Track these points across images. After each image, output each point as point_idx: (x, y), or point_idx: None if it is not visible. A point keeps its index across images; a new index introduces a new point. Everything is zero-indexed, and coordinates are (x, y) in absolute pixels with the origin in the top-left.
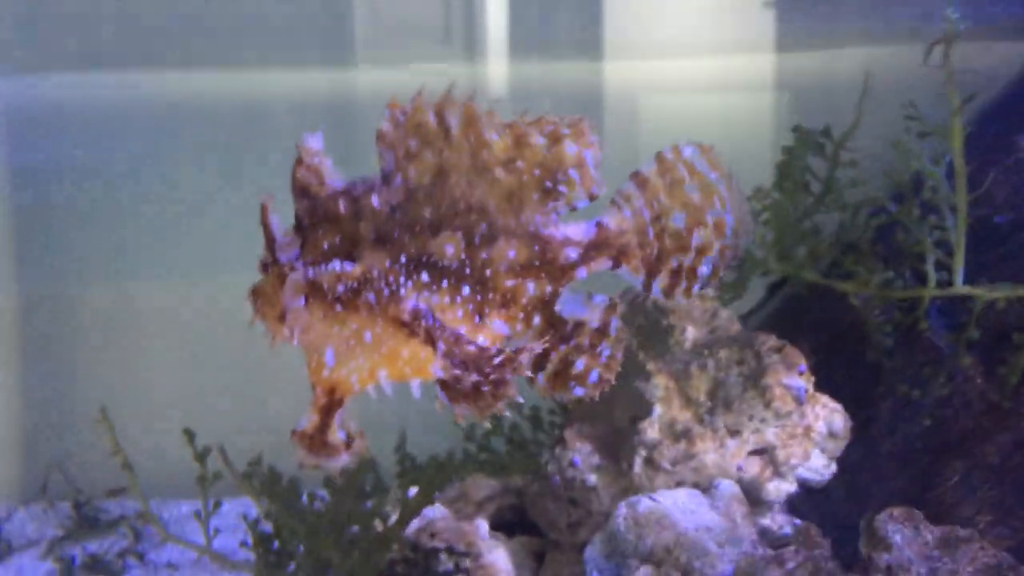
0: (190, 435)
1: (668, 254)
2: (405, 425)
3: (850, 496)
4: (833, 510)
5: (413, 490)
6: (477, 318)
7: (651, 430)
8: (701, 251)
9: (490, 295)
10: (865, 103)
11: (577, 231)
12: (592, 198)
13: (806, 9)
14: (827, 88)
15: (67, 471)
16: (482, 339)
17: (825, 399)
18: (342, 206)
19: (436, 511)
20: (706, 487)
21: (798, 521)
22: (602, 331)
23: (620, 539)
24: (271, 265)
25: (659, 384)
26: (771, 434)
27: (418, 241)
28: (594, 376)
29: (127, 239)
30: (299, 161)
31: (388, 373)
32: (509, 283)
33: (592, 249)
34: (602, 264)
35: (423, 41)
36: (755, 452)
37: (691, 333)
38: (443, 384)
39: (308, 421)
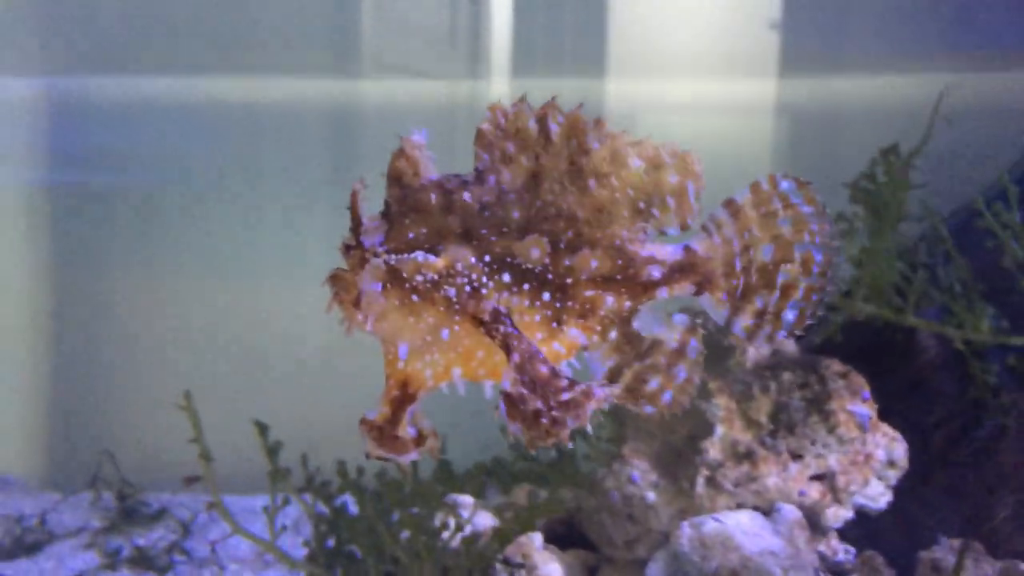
0: (262, 428)
1: (754, 291)
2: (446, 430)
3: (898, 525)
4: (880, 538)
5: (465, 497)
6: (555, 324)
7: (713, 450)
8: (786, 291)
9: (569, 303)
10: (929, 129)
11: (664, 251)
12: (684, 228)
13: (812, 33)
14: (830, 114)
15: (116, 462)
16: (558, 345)
17: (885, 427)
18: (433, 197)
19: (486, 520)
20: (767, 510)
21: (851, 548)
22: (680, 352)
23: (684, 559)
24: (354, 249)
25: (720, 404)
26: (833, 460)
27: (504, 241)
28: (667, 396)
29: (163, 231)
30: (400, 151)
31: (462, 372)
32: (589, 293)
33: (677, 271)
34: (685, 288)
35: (429, 55)
36: (815, 477)
37: (752, 354)
38: (507, 397)
39: (379, 412)
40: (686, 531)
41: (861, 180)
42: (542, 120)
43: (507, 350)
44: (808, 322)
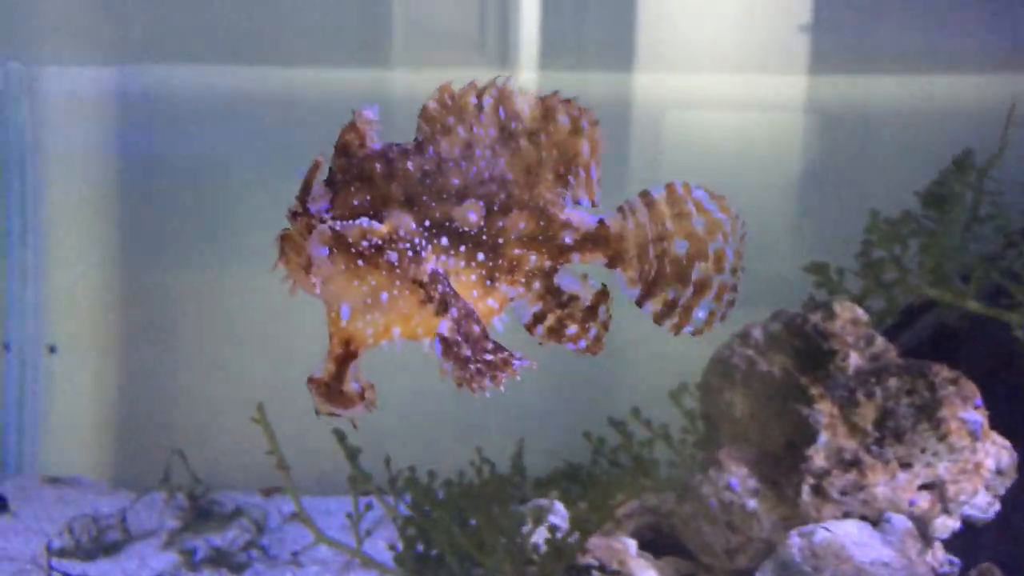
0: (340, 436)
1: (666, 281)
2: (523, 434)
3: (1003, 535)
4: (983, 548)
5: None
6: (488, 282)
7: (818, 457)
8: (700, 288)
9: (500, 261)
10: (1012, 131)
11: (579, 218)
12: (593, 204)
13: (844, 31)
14: (861, 112)
15: (187, 461)
16: (491, 301)
17: (995, 435)
18: (377, 167)
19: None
20: (874, 520)
21: (956, 560)
22: (593, 311)
23: (795, 569)
24: (300, 215)
25: (823, 410)
26: (942, 468)
27: (444, 207)
28: (582, 343)
29: (229, 227)
30: (351, 125)
31: (401, 331)
32: (517, 252)
33: (589, 241)
34: (596, 259)
35: (458, 50)
36: (924, 486)
37: (854, 359)
38: (443, 339)
39: (324, 370)
40: (796, 540)
41: (933, 187)
42: (479, 95)
43: (444, 308)
44: (716, 323)
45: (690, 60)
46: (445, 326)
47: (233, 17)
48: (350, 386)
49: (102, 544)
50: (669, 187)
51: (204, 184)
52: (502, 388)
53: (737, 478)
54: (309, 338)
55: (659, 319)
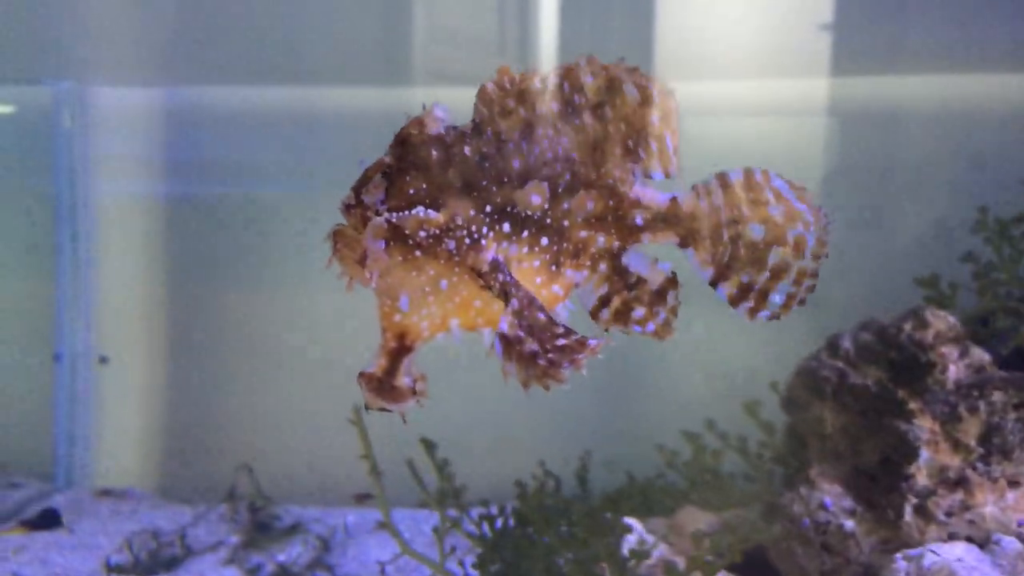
0: (429, 445)
1: (741, 264)
2: (589, 448)
3: None
4: None
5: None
6: (553, 267)
7: (920, 476)
8: (777, 273)
9: (565, 244)
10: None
11: (650, 197)
12: (668, 175)
13: (866, 31)
14: (885, 114)
15: (253, 475)
16: (556, 287)
17: None
18: (433, 153)
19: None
20: (981, 542)
21: None
22: (661, 295)
23: None
24: (355, 207)
25: (924, 426)
26: None
27: (504, 191)
28: (650, 327)
29: (276, 239)
30: (416, 118)
31: (460, 322)
32: (583, 234)
33: (661, 220)
34: (668, 238)
35: (478, 56)
36: None
37: (952, 372)
38: (503, 337)
39: (377, 365)
40: (902, 564)
41: None
42: (543, 78)
43: (505, 298)
44: (795, 307)
45: (710, 65)
46: (505, 322)
47: (270, 38)
48: (402, 381)
49: (161, 559)
50: (747, 171)
51: (247, 197)
52: (584, 371)
53: (831, 497)
54: (360, 348)
55: (734, 302)
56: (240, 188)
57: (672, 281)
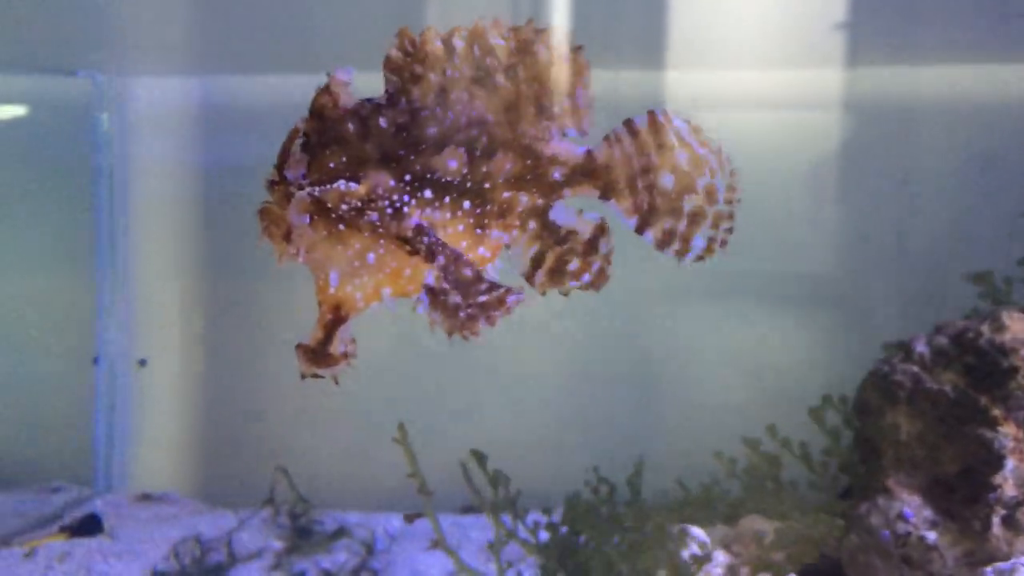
0: (479, 456)
1: (660, 213)
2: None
3: None
4: None
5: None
6: (478, 230)
7: (1007, 486)
8: (694, 219)
9: (488, 206)
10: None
11: (566, 152)
12: (582, 132)
13: (882, 22)
14: (902, 106)
15: (291, 479)
16: (483, 250)
17: None
18: (351, 127)
19: (718, 556)
20: None
21: None
22: (592, 244)
23: None
24: (277, 184)
25: (1009, 433)
26: None
27: (422, 158)
28: (586, 278)
29: None
30: (325, 87)
31: (392, 291)
32: (506, 195)
33: (578, 173)
34: (588, 191)
35: None
36: None
37: None
38: (429, 290)
39: (312, 336)
40: None
41: None
42: (447, 39)
43: (431, 256)
44: (718, 250)
45: (724, 56)
46: (431, 276)
47: (309, 30)
48: (336, 348)
49: (206, 567)
50: (651, 114)
51: None
52: (496, 326)
53: (911, 507)
54: (402, 349)
55: (660, 247)
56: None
57: (602, 228)
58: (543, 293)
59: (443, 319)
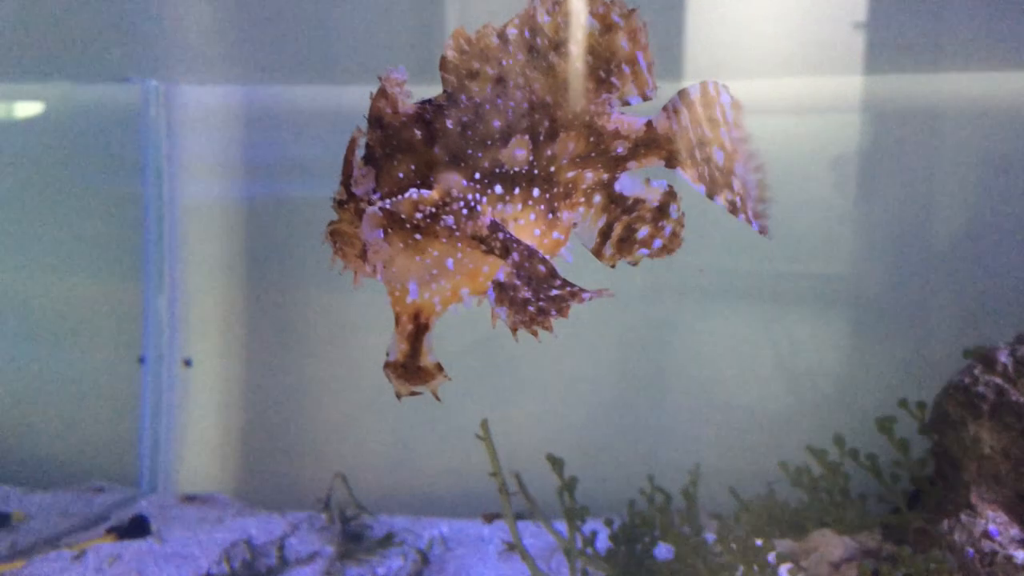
0: (556, 462)
1: (719, 186)
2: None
3: None
4: None
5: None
6: (550, 215)
7: None
8: (744, 193)
9: (556, 189)
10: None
11: (628, 125)
12: (645, 98)
13: (903, 27)
14: (924, 111)
15: (348, 484)
16: (557, 234)
17: None
18: (417, 132)
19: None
20: None
21: None
22: (662, 210)
23: None
24: (347, 201)
25: None
26: None
27: (490, 154)
28: (657, 243)
29: None
30: (381, 91)
31: (470, 290)
32: (571, 174)
33: (642, 146)
34: (653, 162)
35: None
36: None
37: None
38: (498, 284)
39: (398, 350)
40: None
41: None
42: (501, 32)
43: (505, 252)
44: (767, 200)
45: (742, 64)
46: (503, 272)
47: (350, 37)
48: (427, 360)
49: (256, 571)
50: (703, 85)
51: (324, 196)
52: (567, 317)
53: (997, 525)
54: (446, 349)
55: (733, 213)
56: (322, 188)
57: (671, 194)
58: (613, 265)
59: (510, 314)
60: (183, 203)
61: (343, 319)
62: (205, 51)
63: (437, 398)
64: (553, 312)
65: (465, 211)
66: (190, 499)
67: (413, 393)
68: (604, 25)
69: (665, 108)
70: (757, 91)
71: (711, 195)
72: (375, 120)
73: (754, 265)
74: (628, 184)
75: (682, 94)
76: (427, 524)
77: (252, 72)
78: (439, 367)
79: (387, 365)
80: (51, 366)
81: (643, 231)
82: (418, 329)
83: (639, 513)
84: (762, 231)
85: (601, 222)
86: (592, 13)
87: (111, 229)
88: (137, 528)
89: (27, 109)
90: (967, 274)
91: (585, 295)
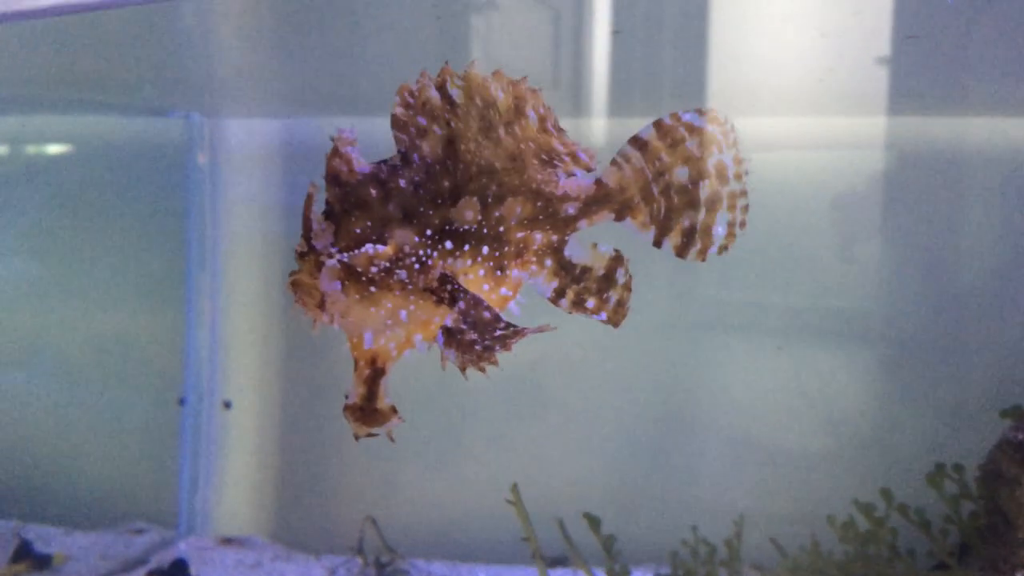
0: (593, 520)
1: (678, 211)
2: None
3: None
4: None
5: None
6: (498, 272)
7: None
8: (712, 205)
9: (505, 248)
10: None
11: (576, 186)
12: (589, 170)
13: (926, 69)
14: (949, 153)
15: (377, 527)
16: (504, 289)
17: None
18: (372, 191)
19: None
20: None
21: None
22: (608, 278)
23: None
24: (307, 254)
25: None
26: None
27: (441, 212)
28: (602, 316)
29: None
30: (334, 150)
31: (423, 336)
32: (520, 235)
33: (592, 204)
34: (604, 217)
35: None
36: None
37: None
38: (446, 330)
39: (356, 394)
40: None
41: None
42: (441, 88)
43: (453, 301)
44: (738, 232)
45: (764, 102)
46: (450, 319)
47: (388, 72)
48: (383, 403)
49: None
50: (656, 123)
51: None
52: (512, 351)
53: None
54: (482, 387)
55: (682, 252)
56: None
57: (617, 259)
58: (571, 313)
59: (457, 355)
60: (226, 239)
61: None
62: (246, 86)
63: (391, 439)
64: (497, 348)
65: (417, 265)
66: (227, 541)
67: (370, 435)
68: (541, 125)
69: (614, 161)
70: (781, 128)
71: (660, 237)
72: (332, 177)
73: (779, 300)
74: (576, 250)
75: (632, 140)
76: (465, 571)
77: (290, 106)
78: (393, 409)
79: (345, 408)
80: (92, 406)
81: (590, 302)
82: (375, 373)
83: (683, 563)
84: (723, 247)
85: (554, 284)
86: (533, 107)
87: (153, 265)
88: (177, 572)
89: (71, 142)
90: (997, 313)
91: (528, 331)
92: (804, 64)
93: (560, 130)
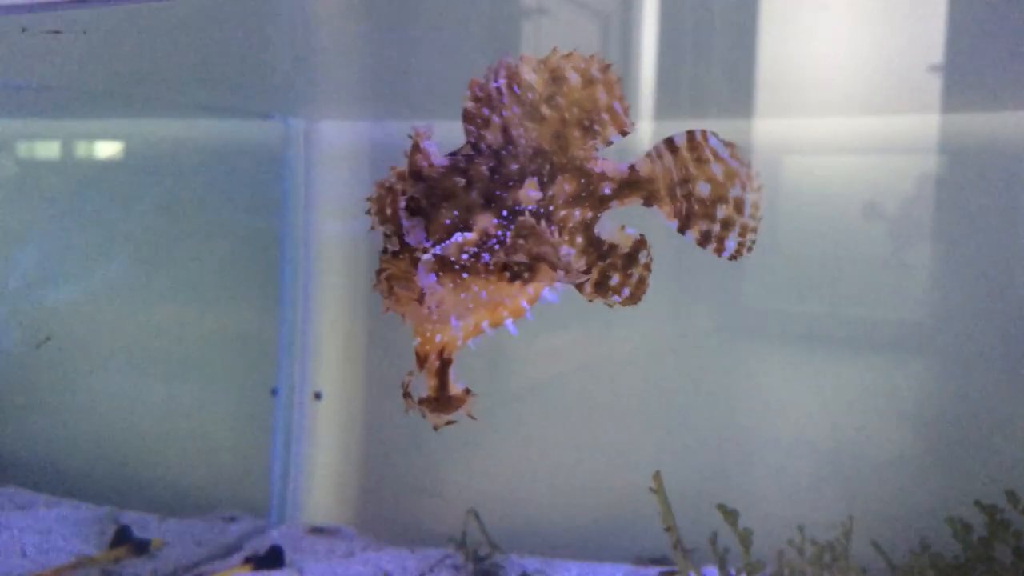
0: (730, 514)
1: (697, 217)
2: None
3: None
4: None
5: None
6: None
7: None
8: (726, 225)
9: (552, 227)
10: None
11: (613, 168)
12: (624, 133)
13: (981, 66)
14: (1003, 151)
15: (482, 522)
16: None
17: None
18: (457, 180)
19: None
20: None
21: None
22: (632, 257)
23: None
24: (402, 251)
25: None
26: None
27: (512, 194)
28: (626, 291)
29: None
30: (414, 146)
31: (490, 322)
32: (563, 213)
33: (625, 187)
34: (634, 201)
35: None
36: None
37: None
38: (596, 284)
39: (429, 387)
40: None
41: None
42: (493, 79)
43: (557, 258)
44: (745, 254)
45: (813, 103)
46: (561, 277)
47: (461, 77)
48: (456, 389)
49: None
50: (689, 133)
51: None
52: (586, 287)
53: None
54: (564, 381)
55: (700, 244)
56: None
57: (641, 242)
58: (590, 301)
59: (593, 293)
60: (319, 237)
61: (466, 353)
62: (340, 89)
63: (472, 416)
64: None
65: (497, 247)
66: (317, 531)
67: (449, 423)
68: (584, 79)
69: (648, 154)
70: (830, 129)
71: (683, 228)
72: (415, 173)
73: (824, 308)
74: (606, 228)
75: (667, 141)
76: (559, 567)
77: (381, 109)
78: (467, 391)
79: (421, 402)
80: (189, 397)
81: (614, 278)
82: (444, 363)
83: (788, 563)
84: (732, 256)
85: (581, 263)
86: (573, 67)
87: (250, 264)
88: (273, 559)
89: (172, 144)
90: None
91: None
92: (854, 64)
93: (606, 69)
